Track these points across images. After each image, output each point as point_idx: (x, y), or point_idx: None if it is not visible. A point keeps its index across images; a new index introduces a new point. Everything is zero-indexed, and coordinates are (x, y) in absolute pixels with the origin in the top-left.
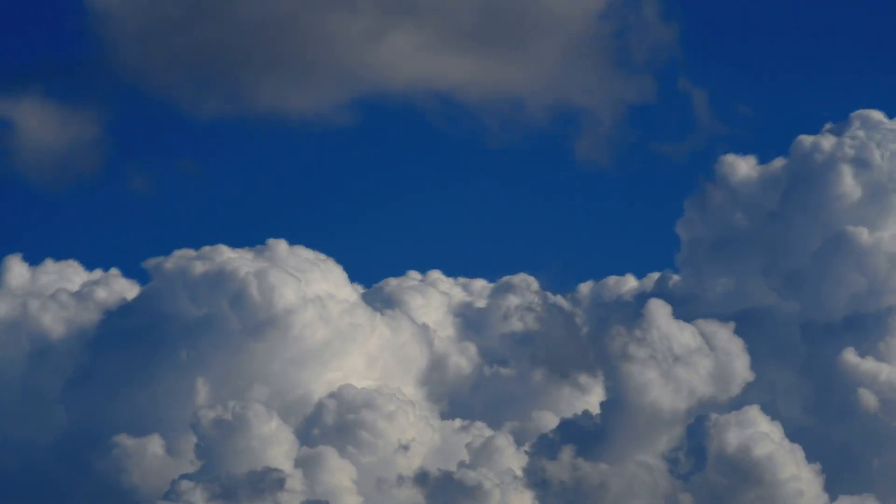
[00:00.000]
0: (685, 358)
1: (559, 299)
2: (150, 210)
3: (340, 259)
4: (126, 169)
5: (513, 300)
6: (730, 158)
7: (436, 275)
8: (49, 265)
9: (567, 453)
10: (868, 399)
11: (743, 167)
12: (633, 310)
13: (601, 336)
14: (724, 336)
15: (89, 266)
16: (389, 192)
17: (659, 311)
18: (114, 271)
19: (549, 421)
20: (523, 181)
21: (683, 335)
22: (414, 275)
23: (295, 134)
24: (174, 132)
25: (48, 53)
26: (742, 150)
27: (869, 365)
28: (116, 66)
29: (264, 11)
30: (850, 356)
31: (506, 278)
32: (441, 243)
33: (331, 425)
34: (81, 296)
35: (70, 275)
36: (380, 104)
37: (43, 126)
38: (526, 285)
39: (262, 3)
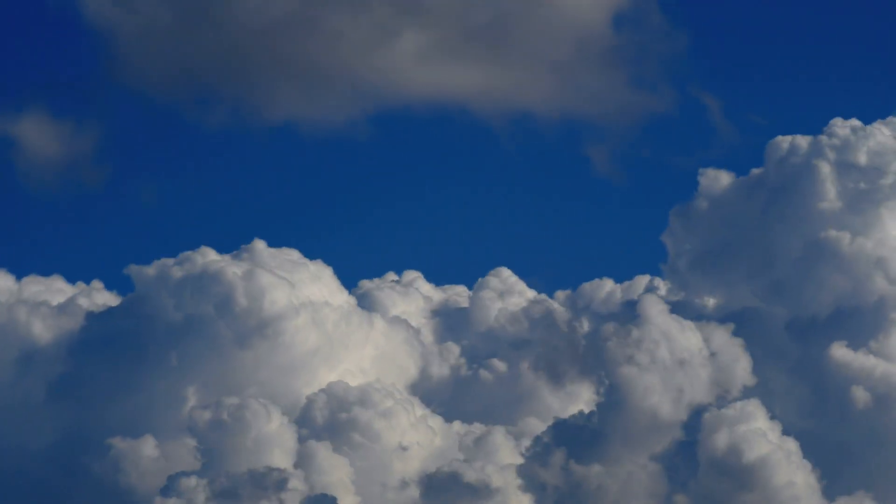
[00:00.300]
0: (682, 359)
1: (552, 301)
2: (148, 224)
3: (339, 264)
4: (127, 183)
5: (501, 301)
6: (711, 171)
7: (416, 276)
8: (34, 279)
9: (562, 455)
10: (861, 396)
11: (725, 178)
12: (627, 313)
13: (597, 337)
14: (722, 337)
15: (86, 278)
16: (384, 198)
17: (654, 309)
18: (96, 284)
19: (543, 423)
20: (533, 189)
21: (681, 336)
22: (403, 277)
23: (294, 141)
24: (174, 144)
25: (50, 70)
26: (753, 156)
27: (860, 361)
28: (119, 80)
29: (266, 19)
30: (839, 352)
31: (488, 277)
32: (431, 248)
33: (328, 423)
34: (68, 305)
35: (58, 287)
36: (385, 112)
37: (46, 142)
38: (509, 286)
39: (263, 10)
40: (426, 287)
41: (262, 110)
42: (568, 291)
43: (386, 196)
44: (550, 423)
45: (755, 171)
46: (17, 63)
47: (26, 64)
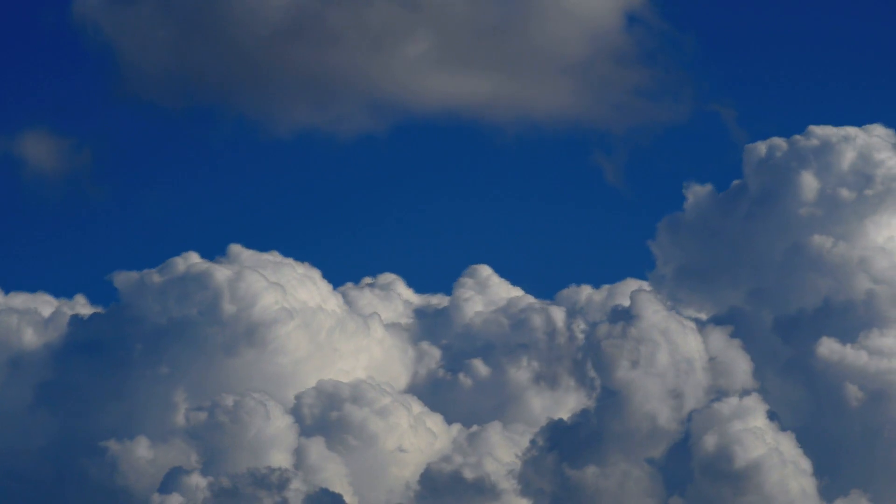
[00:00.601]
0: (677, 360)
1: (543, 303)
2: (142, 239)
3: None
4: (129, 198)
5: (488, 303)
6: (696, 185)
7: (393, 279)
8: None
9: (557, 457)
10: (852, 392)
11: (709, 190)
12: (621, 314)
13: (592, 338)
14: (718, 338)
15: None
16: (377, 205)
17: (649, 310)
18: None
19: (535, 425)
20: (536, 196)
21: (677, 337)
22: (378, 280)
23: (300, 149)
24: (173, 156)
25: (52, 87)
26: None
27: (850, 356)
28: (121, 95)
29: (267, 29)
30: (827, 348)
31: (471, 279)
32: (412, 254)
33: (323, 420)
34: (56, 313)
35: (44, 300)
36: (392, 119)
37: (49, 159)
38: (493, 287)
39: (264, 20)
40: (407, 292)
41: (264, 120)
42: (564, 293)
43: (377, 203)
44: (543, 424)
45: (737, 181)
46: (18, 80)
47: (28, 81)
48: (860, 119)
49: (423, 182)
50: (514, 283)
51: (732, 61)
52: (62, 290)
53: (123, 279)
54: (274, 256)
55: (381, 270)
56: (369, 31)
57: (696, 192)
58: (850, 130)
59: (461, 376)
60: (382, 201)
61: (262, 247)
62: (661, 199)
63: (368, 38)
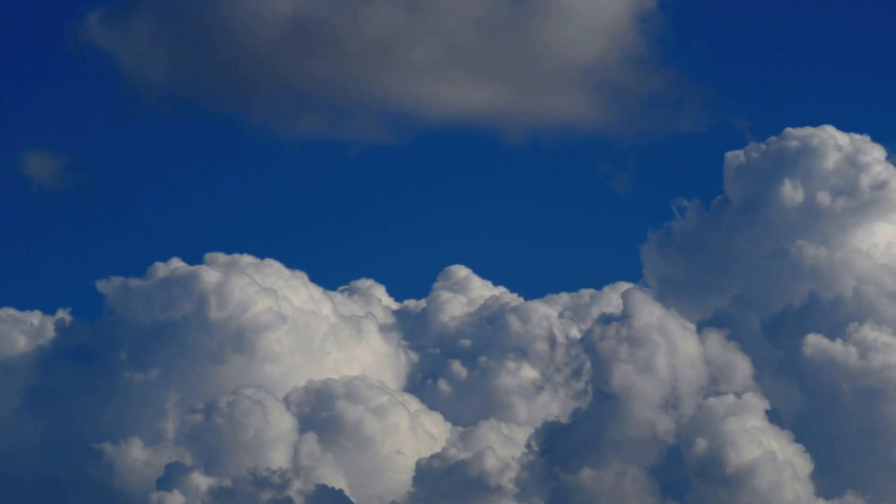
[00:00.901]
0: (671, 360)
1: (536, 305)
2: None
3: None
4: (125, 213)
5: (476, 304)
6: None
7: (370, 284)
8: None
9: (553, 459)
10: (845, 389)
11: (697, 204)
12: (615, 316)
13: (588, 339)
14: (715, 340)
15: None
16: (370, 211)
17: (644, 310)
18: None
19: (532, 426)
20: (548, 201)
21: (673, 337)
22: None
23: (312, 157)
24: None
25: (54, 107)
26: None
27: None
28: (120, 106)
29: (268, 37)
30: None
31: (458, 280)
32: (392, 259)
33: (319, 417)
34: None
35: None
36: (397, 125)
37: (49, 174)
38: (478, 287)
39: (265, 28)
40: (388, 298)
41: (268, 130)
42: (556, 296)
43: (380, 207)
44: (538, 427)
45: (719, 197)
46: (18, 97)
47: (26, 99)
48: (880, 125)
49: (423, 187)
50: (497, 283)
51: (746, 68)
52: (54, 305)
53: (108, 286)
54: (255, 260)
55: (365, 276)
56: (374, 38)
57: (684, 207)
58: (829, 130)
59: (456, 377)
60: (384, 206)
61: (243, 252)
62: (665, 208)
63: (373, 45)
